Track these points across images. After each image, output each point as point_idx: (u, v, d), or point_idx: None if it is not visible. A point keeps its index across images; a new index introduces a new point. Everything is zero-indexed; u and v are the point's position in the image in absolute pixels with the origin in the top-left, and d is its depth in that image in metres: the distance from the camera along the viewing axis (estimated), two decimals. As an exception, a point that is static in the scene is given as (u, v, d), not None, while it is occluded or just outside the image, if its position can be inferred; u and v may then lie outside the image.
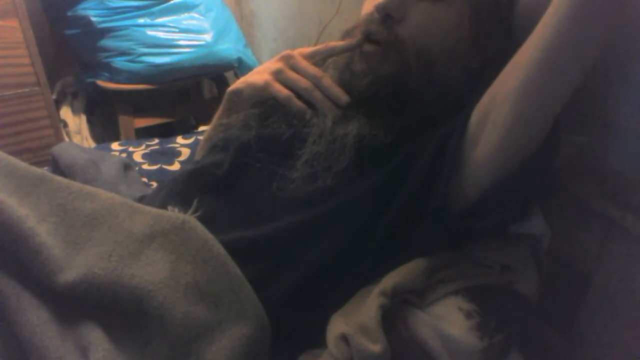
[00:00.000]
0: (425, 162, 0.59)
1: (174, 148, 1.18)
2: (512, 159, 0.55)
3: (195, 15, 1.79)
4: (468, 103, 0.59)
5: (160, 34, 1.72)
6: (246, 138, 0.66)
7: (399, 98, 0.64)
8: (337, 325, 0.56)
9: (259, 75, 0.70)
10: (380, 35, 0.64)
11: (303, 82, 0.66)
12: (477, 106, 0.58)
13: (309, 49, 0.70)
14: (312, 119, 0.64)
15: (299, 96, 0.67)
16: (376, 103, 0.64)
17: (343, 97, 0.65)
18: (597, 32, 0.47)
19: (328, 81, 0.65)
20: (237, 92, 0.73)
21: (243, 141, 0.66)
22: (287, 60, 0.68)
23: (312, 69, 0.67)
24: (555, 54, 0.49)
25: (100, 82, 1.74)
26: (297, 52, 0.69)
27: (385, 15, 0.63)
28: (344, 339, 0.54)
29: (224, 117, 0.76)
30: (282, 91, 0.67)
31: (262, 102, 0.69)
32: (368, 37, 0.65)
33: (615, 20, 0.48)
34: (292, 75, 0.67)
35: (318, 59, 0.69)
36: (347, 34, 0.69)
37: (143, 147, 1.18)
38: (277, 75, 0.68)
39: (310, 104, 0.66)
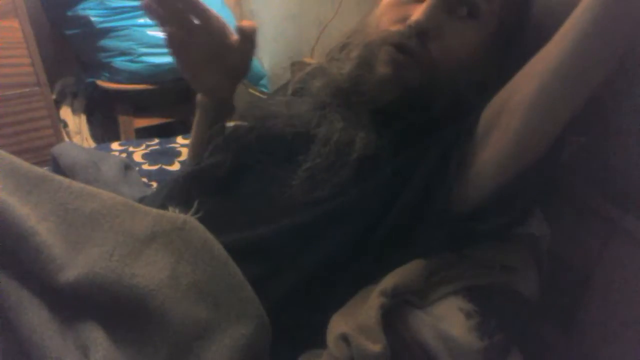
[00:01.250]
0: (429, 165, 0.59)
1: (174, 148, 1.18)
2: (518, 163, 0.55)
3: (196, 15, 1.79)
4: (474, 108, 0.59)
5: (161, 34, 1.71)
6: (247, 139, 0.66)
7: (415, 111, 0.63)
8: (337, 325, 0.56)
9: None
10: (413, 52, 0.62)
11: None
12: (485, 110, 0.58)
13: None
14: (319, 125, 0.64)
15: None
16: (391, 113, 0.63)
17: None
18: (619, 43, 0.47)
19: None
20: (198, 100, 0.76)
21: (244, 142, 0.66)
22: None
23: None
24: (574, 64, 0.49)
25: (100, 82, 1.74)
26: None
27: (421, 32, 0.62)
28: (344, 339, 0.54)
29: (206, 118, 0.77)
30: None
31: (261, 104, 0.70)
32: (399, 48, 0.63)
33: (636, 29, 0.47)
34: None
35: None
36: (364, 45, 0.66)
37: (143, 147, 1.18)
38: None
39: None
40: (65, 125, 1.88)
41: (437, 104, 0.63)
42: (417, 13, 0.61)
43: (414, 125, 0.63)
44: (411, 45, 0.62)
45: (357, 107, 0.64)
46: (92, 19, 1.65)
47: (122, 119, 1.80)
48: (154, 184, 1.02)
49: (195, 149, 0.82)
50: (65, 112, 1.89)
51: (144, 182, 1.00)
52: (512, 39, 0.65)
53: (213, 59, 0.69)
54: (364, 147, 0.61)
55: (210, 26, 0.67)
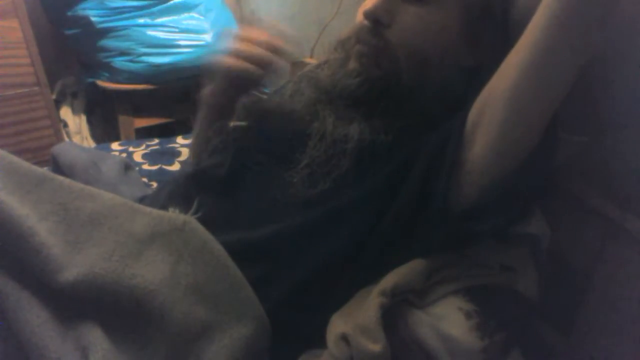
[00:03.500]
0: (424, 163, 0.59)
1: (174, 148, 1.18)
2: (509, 158, 0.55)
3: (195, 15, 1.78)
4: (465, 103, 0.59)
5: (160, 34, 1.71)
6: (246, 140, 0.66)
7: (396, 98, 0.64)
8: (337, 325, 0.56)
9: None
10: (369, 42, 0.64)
11: (255, 49, 0.66)
12: (473, 106, 0.58)
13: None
14: (312, 121, 0.64)
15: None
16: (373, 103, 0.64)
17: (292, 51, 0.65)
18: (589, 30, 0.47)
19: (279, 42, 0.66)
20: (205, 92, 0.74)
21: (243, 143, 0.66)
22: (239, 38, 0.68)
23: (262, 34, 0.66)
24: (546, 52, 0.49)
25: (100, 82, 1.73)
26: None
27: (373, 21, 0.64)
28: (344, 338, 0.54)
29: (210, 119, 0.76)
30: (232, 62, 0.66)
31: (260, 103, 0.70)
32: (359, 42, 0.65)
33: (606, 17, 0.48)
34: (244, 46, 0.66)
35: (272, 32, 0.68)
36: (341, 44, 0.69)
37: (143, 147, 1.18)
38: (229, 54, 0.67)
39: (266, 70, 0.66)
40: (65, 125, 1.87)
41: (416, 89, 0.64)
42: (369, 2, 0.63)
43: (408, 121, 0.63)
44: (367, 38, 0.64)
45: (344, 102, 0.66)
46: (92, 19, 1.64)
47: (122, 119, 1.80)
48: (154, 184, 1.02)
49: (195, 148, 0.82)
50: (65, 112, 1.89)
51: (144, 182, 1.00)
52: (485, 20, 0.65)
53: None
54: (359, 136, 0.61)
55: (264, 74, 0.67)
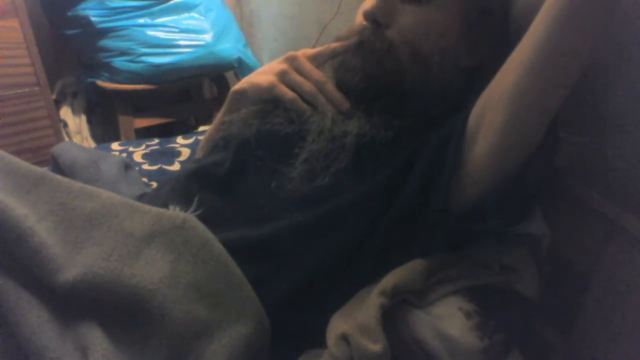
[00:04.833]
0: (425, 163, 0.59)
1: (174, 148, 1.18)
2: (510, 159, 0.55)
3: (195, 15, 1.79)
4: (466, 104, 0.59)
5: (160, 34, 1.72)
6: (246, 135, 0.66)
7: (397, 97, 0.64)
8: (337, 325, 0.56)
9: (263, 76, 0.70)
10: (373, 45, 0.65)
11: (307, 86, 0.67)
12: (474, 106, 0.58)
13: (312, 51, 0.70)
14: (311, 116, 0.65)
15: (303, 98, 0.67)
16: (374, 100, 0.64)
17: (345, 104, 0.65)
18: (588, 33, 0.48)
19: (331, 87, 0.66)
20: (241, 92, 0.73)
21: (243, 139, 0.66)
22: (292, 62, 0.69)
23: (316, 73, 0.67)
24: (547, 54, 0.49)
25: (100, 82, 1.74)
26: (300, 53, 0.69)
27: (373, 21, 0.64)
28: (344, 338, 0.54)
29: (226, 116, 0.76)
30: (287, 93, 0.67)
31: (263, 100, 0.70)
32: (362, 45, 0.66)
33: (605, 20, 0.48)
34: (297, 78, 0.67)
35: (321, 61, 0.69)
36: (339, 40, 0.69)
37: (143, 147, 1.18)
38: (282, 77, 0.68)
39: (313, 107, 0.66)
40: (65, 125, 1.87)
41: (418, 88, 0.64)
42: (368, 3, 0.64)
43: (408, 120, 0.63)
44: (370, 41, 0.65)
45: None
46: (92, 19, 1.65)
47: (122, 119, 1.80)
48: (154, 184, 1.02)
49: (209, 133, 0.82)
50: (65, 112, 1.89)
51: (144, 182, 1.00)
52: (484, 21, 0.65)
53: None
54: (357, 131, 0.62)
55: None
